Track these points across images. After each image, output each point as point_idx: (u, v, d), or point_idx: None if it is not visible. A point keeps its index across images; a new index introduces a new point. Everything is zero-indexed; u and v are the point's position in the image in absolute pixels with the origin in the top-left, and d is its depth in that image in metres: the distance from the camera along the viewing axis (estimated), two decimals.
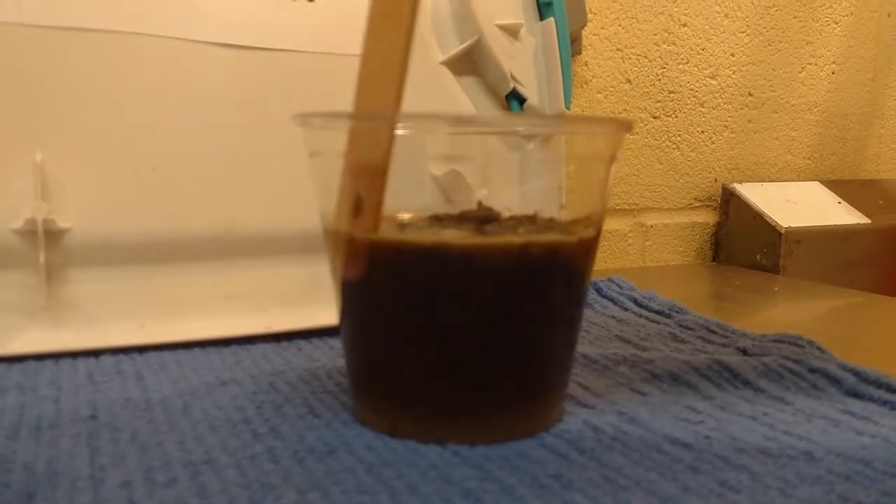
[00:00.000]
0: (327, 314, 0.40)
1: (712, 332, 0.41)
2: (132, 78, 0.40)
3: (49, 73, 0.38)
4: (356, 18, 0.46)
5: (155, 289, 0.39)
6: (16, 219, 0.36)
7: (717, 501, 0.22)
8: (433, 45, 0.49)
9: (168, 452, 0.25)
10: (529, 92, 0.50)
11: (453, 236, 0.26)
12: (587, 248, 0.27)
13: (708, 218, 0.73)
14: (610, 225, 0.68)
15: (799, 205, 0.70)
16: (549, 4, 0.52)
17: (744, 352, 0.37)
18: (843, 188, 0.75)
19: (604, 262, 0.68)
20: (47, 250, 0.37)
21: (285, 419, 0.28)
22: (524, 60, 0.51)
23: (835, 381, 0.32)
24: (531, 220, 0.28)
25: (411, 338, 0.26)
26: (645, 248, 0.70)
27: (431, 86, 0.48)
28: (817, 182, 0.75)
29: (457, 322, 0.25)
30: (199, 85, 0.41)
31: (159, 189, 0.39)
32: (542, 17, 0.52)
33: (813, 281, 0.65)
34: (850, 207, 0.72)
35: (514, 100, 0.50)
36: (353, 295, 0.27)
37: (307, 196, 0.38)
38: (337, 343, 0.39)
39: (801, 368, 0.34)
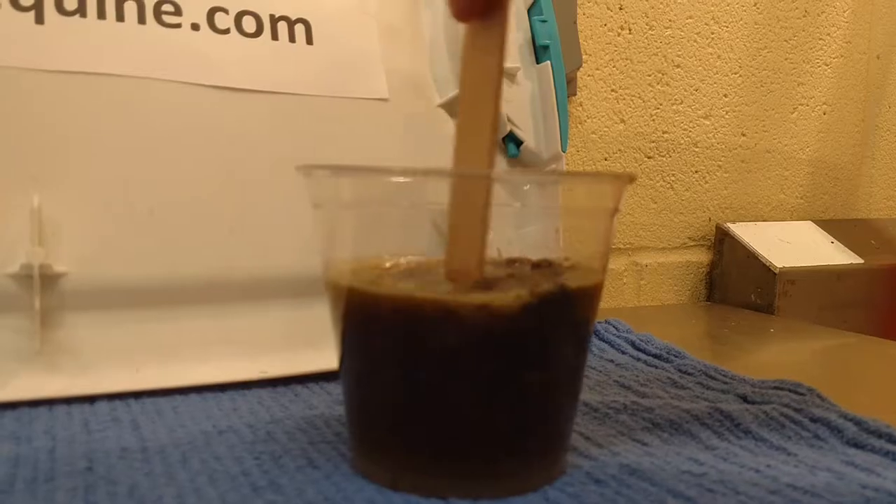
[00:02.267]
0: (323, 359, 0.40)
1: (711, 377, 0.41)
2: (130, 121, 0.40)
3: (47, 117, 0.38)
4: (354, 62, 0.47)
5: (150, 333, 0.39)
6: (11, 263, 0.36)
7: None
8: (431, 87, 0.49)
9: None
10: (526, 135, 0.51)
11: (452, 292, 0.26)
12: (591, 299, 0.27)
13: (702, 257, 0.73)
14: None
15: (792, 245, 0.71)
16: (545, 48, 0.52)
17: (744, 398, 0.37)
18: (836, 228, 0.75)
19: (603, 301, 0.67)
20: (42, 295, 0.36)
21: (284, 471, 0.27)
22: (521, 103, 0.52)
23: (836, 431, 0.32)
24: (538, 267, 0.28)
25: (411, 392, 0.26)
26: (640, 287, 0.70)
27: (429, 128, 0.48)
28: (810, 221, 0.76)
29: (458, 377, 0.25)
30: (196, 128, 0.41)
31: (156, 233, 0.39)
32: (538, 61, 0.53)
33: (807, 321, 0.65)
34: (843, 247, 0.72)
35: (511, 142, 0.51)
36: (353, 348, 0.27)
37: (304, 240, 0.38)
38: (334, 388, 0.39)
39: (802, 417, 0.33)
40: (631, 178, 0.27)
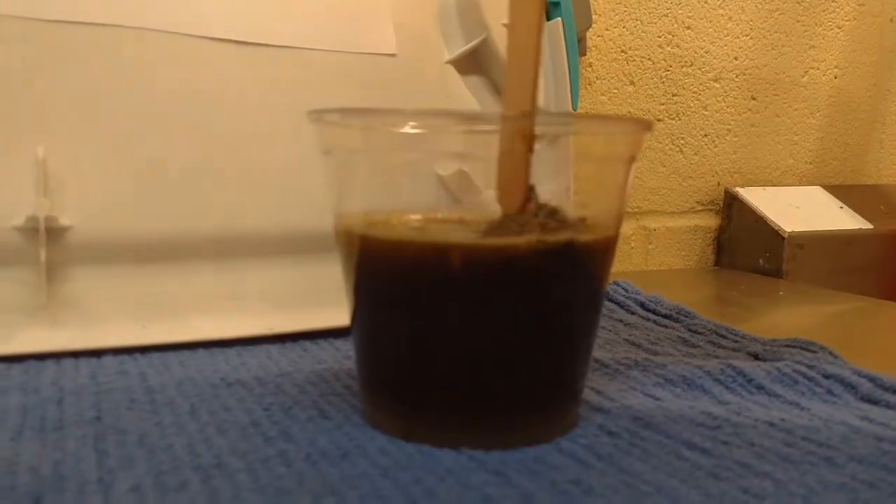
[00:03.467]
0: (331, 315, 0.39)
1: (722, 336, 0.41)
2: (136, 74, 0.39)
3: (52, 68, 0.37)
4: (362, 15, 0.46)
5: (157, 288, 0.38)
6: (16, 216, 0.36)
7: None
8: (439, 44, 0.48)
9: (177, 456, 0.24)
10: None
11: (467, 236, 0.26)
12: (606, 249, 0.27)
13: (710, 222, 0.73)
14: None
15: (801, 209, 0.70)
16: (556, 4, 0.51)
17: (755, 356, 0.37)
18: (845, 193, 0.75)
19: None
20: (48, 248, 0.36)
21: (295, 422, 0.27)
22: None
23: (850, 387, 0.32)
24: (552, 214, 0.27)
25: (425, 342, 0.25)
26: (648, 252, 0.70)
27: (437, 85, 0.47)
28: (819, 186, 0.75)
29: (472, 327, 0.25)
30: (203, 81, 0.40)
31: (163, 187, 0.39)
32: (548, 17, 0.52)
33: (815, 286, 0.64)
34: (853, 212, 0.72)
35: None
36: (365, 297, 0.27)
37: (312, 196, 0.38)
38: (342, 344, 0.38)
39: (815, 374, 0.33)
40: (650, 125, 0.27)
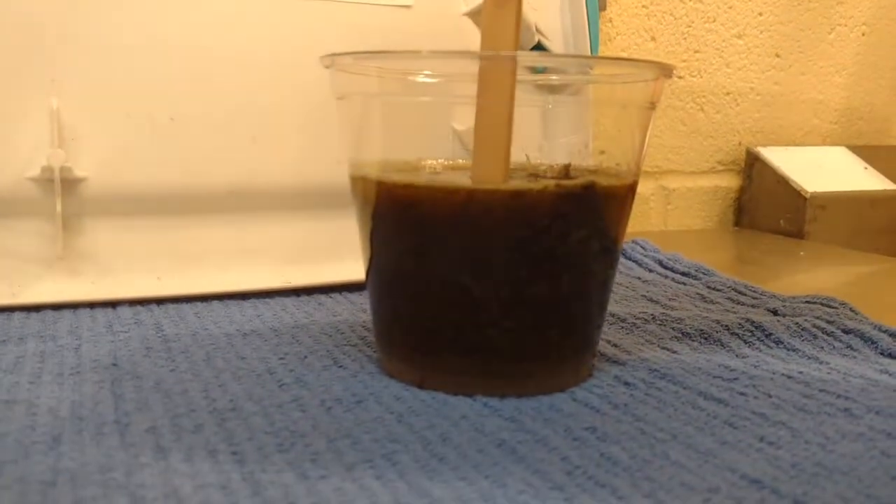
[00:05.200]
0: (347, 269, 0.39)
1: (741, 293, 0.40)
2: (150, 25, 0.38)
3: (65, 18, 0.37)
4: None
5: (172, 241, 0.38)
6: (32, 167, 0.36)
7: (758, 456, 0.21)
8: None
9: (193, 400, 0.24)
10: (555, 46, 0.49)
11: (484, 182, 0.25)
12: (625, 196, 0.27)
13: (731, 182, 0.72)
14: None
15: (824, 170, 0.69)
16: None
17: (774, 312, 0.36)
18: (870, 154, 0.73)
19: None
20: (63, 199, 0.36)
21: (310, 370, 0.27)
22: (550, 13, 0.50)
23: (870, 341, 0.32)
24: (565, 171, 0.27)
25: (440, 289, 0.25)
26: (667, 212, 0.69)
27: (453, 37, 0.47)
28: (843, 147, 0.74)
29: (488, 273, 0.25)
30: (219, 33, 0.40)
31: (177, 140, 0.38)
32: None
33: (837, 246, 0.63)
34: (877, 173, 0.70)
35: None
36: (381, 244, 0.27)
37: (328, 150, 0.38)
38: (357, 298, 0.38)
39: (834, 329, 0.33)
40: (670, 70, 0.26)
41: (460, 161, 0.31)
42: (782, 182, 0.67)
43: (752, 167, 0.70)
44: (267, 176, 0.40)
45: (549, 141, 0.39)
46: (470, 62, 0.26)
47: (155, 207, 0.38)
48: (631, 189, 0.27)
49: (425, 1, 0.46)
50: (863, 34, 0.77)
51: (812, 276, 0.55)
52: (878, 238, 0.67)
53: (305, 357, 0.29)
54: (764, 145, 0.71)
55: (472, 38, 0.47)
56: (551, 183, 0.24)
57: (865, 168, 0.71)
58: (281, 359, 0.29)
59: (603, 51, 0.63)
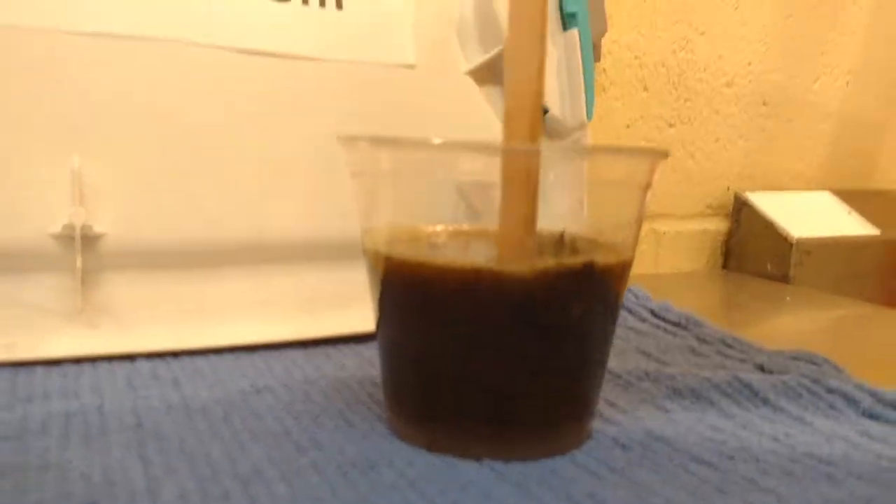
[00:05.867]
0: (354, 321, 0.41)
1: (729, 346, 0.42)
2: (168, 84, 0.40)
3: (86, 79, 0.39)
4: (382, 26, 0.47)
5: (188, 294, 0.40)
6: (53, 224, 0.37)
7: None
8: (458, 54, 0.50)
9: (216, 463, 0.25)
10: (551, 102, 0.51)
11: (488, 260, 0.27)
12: (622, 271, 0.28)
13: (719, 226, 0.74)
14: None
15: (810, 215, 0.71)
16: (573, 15, 0.52)
17: (761, 368, 0.38)
18: (854, 198, 0.76)
19: None
20: (83, 255, 0.37)
21: (323, 430, 0.29)
22: (547, 71, 0.52)
23: (852, 401, 0.33)
24: (560, 240, 0.29)
25: (448, 359, 0.27)
26: (658, 255, 0.71)
27: (455, 96, 0.49)
28: (828, 192, 0.76)
29: (492, 342, 0.26)
30: (232, 91, 0.42)
31: (193, 195, 0.40)
32: (565, 28, 0.53)
33: (822, 291, 0.65)
34: (861, 218, 0.73)
35: None
36: (389, 314, 0.28)
37: (338, 205, 0.39)
38: (364, 350, 0.40)
39: (818, 388, 0.34)
40: (665, 154, 0.28)
41: (464, 227, 0.32)
42: (769, 227, 0.69)
43: (740, 212, 0.72)
44: (279, 229, 0.42)
45: (543, 200, 0.41)
46: (486, 157, 0.28)
47: (171, 261, 0.40)
48: (629, 263, 0.29)
49: (428, 60, 0.48)
50: (847, 83, 0.80)
51: (796, 323, 0.57)
52: (862, 282, 0.69)
53: (318, 416, 0.30)
54: (752, 190, 0.73)
55: (473, 96, 0.49)
56: (552, 262, 0.26)
57: (849, 212, 0.73)
58: (295, 418, 0.30)
59: (597, 100, 0.65)
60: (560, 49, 0.52)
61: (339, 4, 0.46)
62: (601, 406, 0.32)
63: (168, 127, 0.40)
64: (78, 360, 0.36)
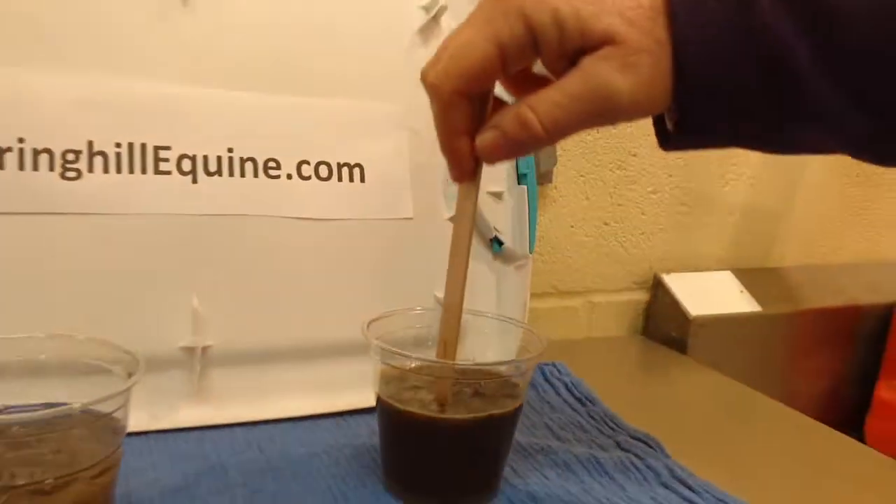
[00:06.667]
0: (363, 400, 0.64)
1: (607, 424, 0.65)
2: (251, 245, 0.63)
3: (201, 245, 0.61)
4: (393, 192, 0.69)
5: (264, 380, 0.63)
6: (181, 341, 0.60)
7: None
8: (443, 205, 0.72)
9: None
10: (506, 238, 0.74)
11: (432, 411, 0.50)
12: (518, 415, 0.51)
13: (641, 297, 0.97)
14: (567, 302, 0.92)
15: (709, 293, 0.94)
16: (524, 175, 0.75)
17: (618, 446, 0.61)
18: (749, 276, 0.98)
19: (562, 332, 0.91)
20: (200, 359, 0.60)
21: (347, 485, 0.52)
22: (504, 215, 0.74)
23: (656, 474, 0.57)
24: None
25: (417, 460, 0.50)
26: (591, 321, 0.94)
27: (440, 236, 0.71)
28: (729, 271, 0.99)
29: (437, 453, 0.49)
30: (290, 245, 0.64)
31: (270, 315, 0.63)
32: (518, 182, 0.75)
33: (713, 359, 0.88)
34: (749, 296, 0.95)
35: (495, 242, 0.74)
36: (381, 426, 0.51)
37: (347, 316, 0.62)
38: (370, 419, 0.63)
39: (642, 465, 0.58)
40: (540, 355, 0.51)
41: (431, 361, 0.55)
42: (675, 303, 0.92)
43: (657, 288, 0.95)
44: (319, 337, 0.65)
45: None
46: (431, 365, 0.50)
47: (254, 358, 0.62)
48: (521, 408, 0.52)
49: (422, 213, 0.70)
50: (751, 185, 1.02)
51: (679, 391, 0.80)
52: (744, 351, 0.92)
53: (345, 477, 0.53)
54: (668, 270, 0.96)
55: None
56: (483, 414, 0.49)
57: (741, 291, 0.96)
58: (332, 477, 0.53)
59: (549, 208, 0.88)
60: (514, 199, 0.75)
61: (362, 179, 0.68)
62: (507, 471, 0.55)
63: (254, 270, 0.63)
64: (192, 429, 0.59)
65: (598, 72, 0.35)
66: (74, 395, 0.38)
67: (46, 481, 0.37)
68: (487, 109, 0.43)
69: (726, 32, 0.34)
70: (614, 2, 0.35)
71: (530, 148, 0.40)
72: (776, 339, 0.95)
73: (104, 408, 0.40)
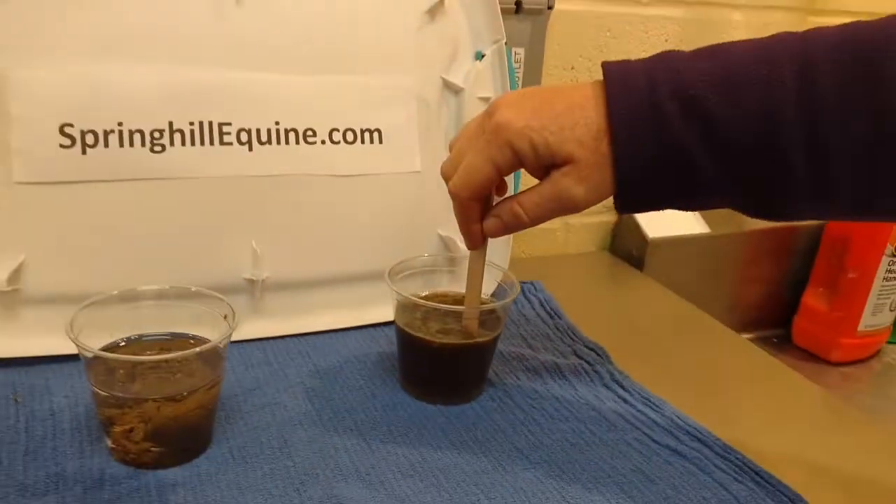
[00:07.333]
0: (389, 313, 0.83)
1: (569, 336, 0.85)
2: (304, 199, 0.80)
3: (257, 202, 0.78)
4: (403, 149, 0.85)
5: (309, 301, 0.82)
6: (245, 273, 0.78)
7: (527, 436, 0.67)
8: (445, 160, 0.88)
9: (337, 403, 0.69)
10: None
11: (448, 339, 0.69)
12: (497, 340, 0.71)
13: (611, 219, 1.14)
14: (546, 224, 1.10)
15: (667, 217, 1.11)
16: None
17: (575, 353, 0.81)
18: None
19: (541, 249, 1.10)
20: (258, 286, 0.79)
21: (376, 384, 0.72)
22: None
23: (601, 377, 0.77)
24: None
25: (423, 366, 0.70)
26: (567, 239, 1.12)
27: (443, 186, 0.88)
28: None
29: (442, 363, 0.69)
30: (325, 202, 0.82)
31: (313, 251, 0.81)
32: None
33: (668, 271, 1.07)
34: (701, 220, 1.13)
35: None
36: (399, 340, 0.71)
37: (374, 251, 0.80)
38: (390, 331, 0.83)
39: (591, 370, 0.78)
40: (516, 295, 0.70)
41: (439, 291, 0.75)
42: (636, 226, 1.10)
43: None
44: (356, 264, 0.83)
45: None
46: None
47: (301, 284, 0.81)
48: (498, 336, 0.71)
49: (428, 167, 0.87)
50: None
51: (631, 308, 0.99)
52: (696, 266, 1.11)
53: (372, 377, 0.74)
54: None
55: None
56: (483, 339, 0.68)
57: (695, 217, 1.14)
58: (364, 377, 0.73)
59: None
60: None
61: (380, 141, 0.84)
62: (490, 374, 0.75)
63: (299, 220, 0.80)
64: (256, 340, 0.79)
65: (561, 183, 0.53)
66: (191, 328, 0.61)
67: (182, 394, 0.57)
68: (491, 201, 0.61)
69: (650, 147, 0.50)
70: (573, 130, 0.51)
71: (519, 230, 0.58)
72: (723, 255, 1.14)
73: (214, 345, 0.59)
